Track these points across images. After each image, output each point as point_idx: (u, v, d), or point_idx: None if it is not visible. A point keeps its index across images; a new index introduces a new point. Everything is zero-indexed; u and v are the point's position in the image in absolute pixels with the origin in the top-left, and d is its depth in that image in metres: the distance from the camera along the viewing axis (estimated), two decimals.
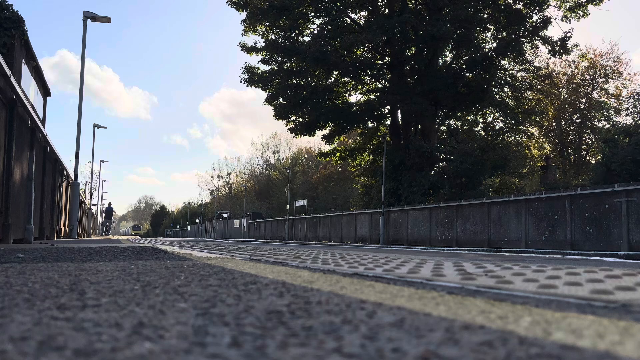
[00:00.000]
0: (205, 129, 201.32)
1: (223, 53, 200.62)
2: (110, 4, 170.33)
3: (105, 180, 51.78)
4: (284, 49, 26.35)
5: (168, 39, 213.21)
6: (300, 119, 29.07)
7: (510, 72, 28.80)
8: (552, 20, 24.64)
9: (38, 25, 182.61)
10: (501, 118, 30.10)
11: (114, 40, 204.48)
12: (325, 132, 29.83)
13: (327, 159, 35.75)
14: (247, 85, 28.18)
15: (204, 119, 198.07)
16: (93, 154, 36.75)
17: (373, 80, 29.56)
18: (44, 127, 12.08)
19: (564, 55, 26.04)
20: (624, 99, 36.05)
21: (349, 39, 24.19)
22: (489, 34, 27.85)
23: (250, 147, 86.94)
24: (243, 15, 27.73)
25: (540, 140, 37.83)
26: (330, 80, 28.98)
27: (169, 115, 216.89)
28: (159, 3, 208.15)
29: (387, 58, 28.03)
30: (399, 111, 27.71)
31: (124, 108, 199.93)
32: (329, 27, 26.82)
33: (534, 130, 35.26)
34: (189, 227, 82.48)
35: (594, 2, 24.97)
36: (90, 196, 40.96)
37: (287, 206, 38.89)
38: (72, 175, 17.19)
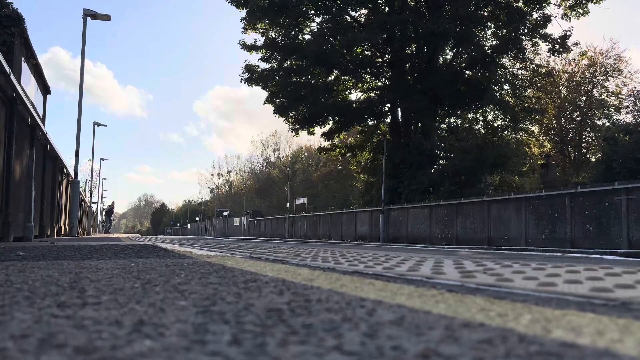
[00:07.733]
0: (202, 126, 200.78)
1: (217, 51, 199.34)
2: (103, 0, 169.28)
3: (105, 178, 51.80)
4: (284, 47, 26.32)
5: (162, 35, 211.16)
6: (300, 117, 29.08)
7: (510, 70, 28.78)
8: (552, 18, 24.62)
9: (31, 22, 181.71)
10: (501, 116, 30.09)
11: (107, 36, 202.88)
12: (325, 129, 29.85)
13: (326, 154, 35.61)
14: (248, 84, 28.14)
15: (199, 117, 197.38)
16: (93, 152, 36.68)
17: (373, 78, 29.53)
18: (44, 125, 12.08)
19: (563, 54, 26.01)
20: (624, 96, 36.03)
21: (349, 37, 24.17)
22: (489, 32, 27.81)
23: (250, 145, 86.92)
24: (243, 13, 27.67)
25: (541, 138, 37.79)
26: (330, 79, 28.96)
27: (165, 113, 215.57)
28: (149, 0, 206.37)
29: (387, 56, 28.00)
30: (399, 109, 27.71)
31: (119, 105, 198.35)
32: (329, 25, 26.79)
33: (534, 128, 35.25)
34: (189, 225, 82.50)
35: (594, 0, 24.91)
36: (90, 194, 40.96)
37: (287, 204, 38.88)
38: (72, 173, 17.18)
